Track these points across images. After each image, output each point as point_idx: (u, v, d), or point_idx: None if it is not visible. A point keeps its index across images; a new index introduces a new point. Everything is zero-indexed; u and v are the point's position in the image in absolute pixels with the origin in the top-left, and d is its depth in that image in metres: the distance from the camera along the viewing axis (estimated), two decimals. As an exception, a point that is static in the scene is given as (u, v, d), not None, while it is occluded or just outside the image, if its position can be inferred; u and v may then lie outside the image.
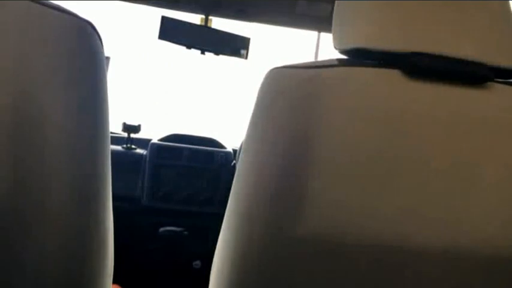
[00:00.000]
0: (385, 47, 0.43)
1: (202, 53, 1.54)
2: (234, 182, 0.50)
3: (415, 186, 0.43)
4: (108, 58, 1.50)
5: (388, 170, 0.43)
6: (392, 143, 0.43)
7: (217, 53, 1.55)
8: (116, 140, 1.60)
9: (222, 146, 1.66)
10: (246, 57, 1.58)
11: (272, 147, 0.45)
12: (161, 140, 1.62)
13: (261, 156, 0.46)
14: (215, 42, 1.54)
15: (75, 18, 0.41)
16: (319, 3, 1.29)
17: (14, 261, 0.40)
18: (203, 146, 1.60)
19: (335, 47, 0.50)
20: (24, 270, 0.40)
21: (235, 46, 1.56)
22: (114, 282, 0.72)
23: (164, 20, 1.47)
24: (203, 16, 1.55)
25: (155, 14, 1.51)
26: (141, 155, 1.54)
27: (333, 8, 0.55)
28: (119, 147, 1.56)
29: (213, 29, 1.54)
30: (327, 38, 2.12)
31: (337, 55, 0.49)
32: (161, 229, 1.50)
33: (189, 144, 1.58)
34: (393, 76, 0.43)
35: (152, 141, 1.57)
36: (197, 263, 1.57)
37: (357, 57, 0.47)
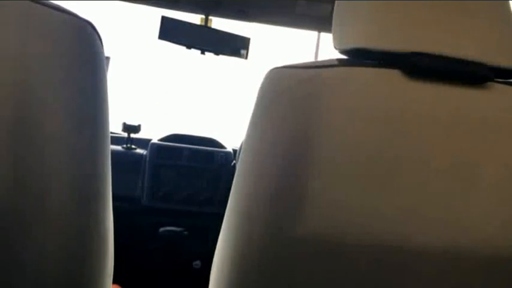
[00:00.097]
0: (385, 47, 0.43)
1: (202, 53, 1.54)
2: (234, 182, 0.50)
3: (415, 186, 0.43)
4: (108, 58, 1.50)
5: (388, 170, 0.43)
6: (392, 143, 0.43)
7: (217, 53, 1.55)
8: (116, 140, 1.59)
9: (222, 146, 1.66)
10: (246, 57, 1.58)
11: (272, 147, 0.45)
12: (161, 140, 1.62)
13: (261, 156, 0.46)
14: (215, 42, 1.54)
15: (75, 18, 0.41)
16: (319, 3, 1.29)
17: (14, 261, 0.40)
18: (203, 146, 1.60)
19: (335, 47, 0.50)
20: (24, 270, 0.40)
21: (235, 46, 1.56)
22: (114, 282, 0.72)
23: (164, 20, 1.47)
24: (203, 16, 1.55)
25: (155, 14, 1.51)
26: (141, 155, 1.54)
27: (333, 8, 0.55)
28: (119, 147, 1.56)
29: (213, 29, 1.54)
30: (327, 38, 2.12)
31: (337, 55, 0.49)
32: (161, 229, 1.50)
33: (189, 144, 1.58)
34: (393, 76, 0.43)
35: (152, 141, 1.57)
36: (197, 263, 1.57)
37: (357, 57, 0.47)
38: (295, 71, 0.45)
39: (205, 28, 1.54)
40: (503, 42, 0.45)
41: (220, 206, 1.50)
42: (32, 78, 0.38)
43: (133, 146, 1.58)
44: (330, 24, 0.53)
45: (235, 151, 1.62)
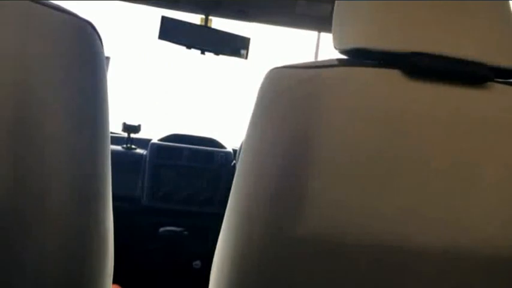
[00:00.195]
0: (385, 47, 0.43)
1: (202, 53, 1.54)
2: (234, 182, 0.50)
3: (415, 186, 0.43)
4: (108, 58, 1.50)
5: (388, 170, 0.43)
6: (392, 143, 0.43)
7: (217, 53, 1.55)
8: (116, 140, 1.60)
9: (222, 146, 1.66)
10: (246, 57, 1.58)
11: (272, 147, 0.45)
12: (161, 140, 1.62)
13: (261, 156, 0.46)
14: (215, 42, 1.54)
15: (75, 18, 0.41)
16: (319, 3, 1.29)
17: (14, 261, 0.39)
18: (203, 146, 1.60)
19: (335, 47, 0.50)
20: (24, 270, 0.40)
21: (235, 46, 1.56)
22: (114, 282, 0.72)
23: (164, 20, 1.47)
24: (203, 16, 1.54)
25: (155, 14, 1.51)
26: (141, 155, 1.54)
27: (333, 8, 0.55)
28: (119, 147, 1.56)
29: (213, 29, 1.54)
30: (327, 38, 2.12)
31: (337, 55, 0.49)
32: (161, 229, 1.50)
33: (189, 144, 1.58)
34: (393, 76, 0.43)
35: (152, 141, 1.57)
36: (197, 263, 1.57)
37: (357, 57, 0.47)
38: (295, 71, 0.45)
39: (205, 28, 1.54)
40: (503, 42, 0.45)
41: (220, 206, 1.50)
42: (32, 78, 0.38)
43: (133, 146, 1.58)
44: (330, 24, 0.53)
45: (235, 151, 1.62)
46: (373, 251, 0.44)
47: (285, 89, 0.45)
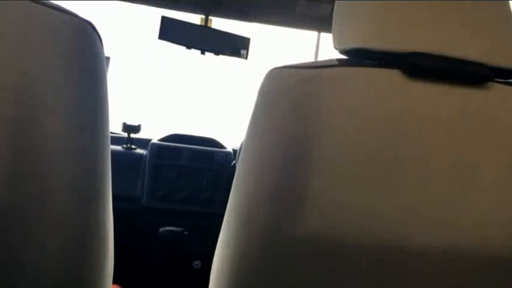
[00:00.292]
0: (385, 47, 0.43)
1: (202, 53, 1.54)
2: (234, 182, 0.50)
3: (415, 186, 0.43)
4: (108, 58, 1.50)
5: (388, 170, 0.43)
6: (392, 143, 0.43)
7: (217, 53, 1.55)
8: (116, 140, 1.60)
9: (222, 146, 1.66)
10: (246, 57, 1.58)
11: (272, 147, 0.45)
12: (161, 140, 1.62)
13: (261, 156, 0.46)
14: (215, 42, 1.54)
15: (75, 18, 0.41)
16: (319, 3, 1.29)
17: (14, 261, 0.39)
18: (203, 146, 1.60)
19: (335, 47, 0.50)
20: (24, 270, 0.40)
21: (235, 46, 1.56)
22: (114, 282, 0.72)
23: (164, 20, 1.47)
24: (203, 16, 1.54)
25: (155, 14, 1.51)
26: (141, 155, 1.54)
27: (333, 8, 0.55)
28: (119, 147, 1.56)
29: (213, 29, 1.54)
30: (327, 38, 2.12)
31: (337, 55, 0.49)
32: (161, 229, 1.50)
33: (189, 144, 1.58)
34: (393, 76, 0.43)
35: (152, 141, 1.57)
36: (197, 263, 1.57)
37: (357, 57, 0.47)
38: (295, 71, 0.45)
39: (205, 28, 1.54)
40: (503, 42, 0.45)
41: (220, 206, 1.50)
42: (32, 78, 0.38)
43: (133, 146, 1.58)
44: (330, 24, 0.53)
45: (235, 151, 1.62)
46: (373, 251, 0.44)
47: (285, 89, 0.45)
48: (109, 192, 0.49)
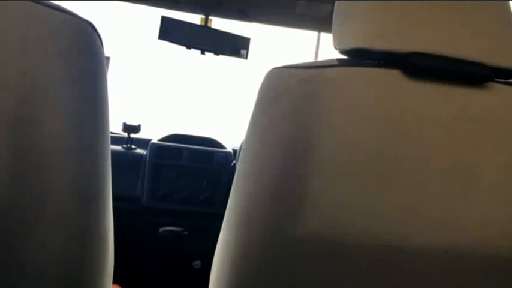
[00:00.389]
0: (385, 47, 0.43)
1: (202, 53, 1.54)
2: (234, 182, 0.50)
3: (415, 186, 0.43)
4: (108, 58, 1.50)
5: (388, 170, 0.43)
6: (392, 143, 0.43)
7: (217, 53, 1.55)
8: (116, 140, 1.60)
9: (222, 146, 1.66)
10: (246, 57, 1.58)
11: (272, 147, 0.45)
12: (161, 140, 1.62)
13: (261, 156, 0.46)
14: (215, 42, 1.54)
15: (75, 18, 0.41)
16: (319, 3, 1.29)
17: (14, 261, 0.39)
18: (203, 146, 1.60)
19: (335, 47, 0.50)
20: (24, 270, 0.40)
21: (235, 46, 1.56)
22: (114, 282, 0.72)
23: (164, 20, 1.47)
24: (203, 16, 1.54)
25: (155, 14, 1.51)
26: (141, 155, 1.54)
27: (333, 8, 0.55)
28: (119, 147, 1.56)
29: (213, 29, 1.54)
30: (327, 38, 2.12)
31: (337, 55, 0.49)
32: (161, 229, 1.50)
33: (189, 144, 1.58)
34: (393, 76, 0.43)
35: (152, 141, 1.57)
36: (197, 263, 1.57)
37: (357, 57, 0.47)
38: (295, 71, 0.45)
39: (205, 28, 1.54)
40: (503, 42, 0.45)
41: (220, 206, 1.50)
42: (32, 78, 0.38)
43: (133, 146, 1.58)
44: (330, 24, 0.53)
45: (235, 151, 1.62)
46: (373, 251, 0.44)
47: (285, 89, 0.45)
48: (109, 192, 0.49)
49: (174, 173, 1.51)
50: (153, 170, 1.49)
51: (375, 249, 0.44)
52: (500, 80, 0.46)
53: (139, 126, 1.54)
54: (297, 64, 0.46)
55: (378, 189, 0.43)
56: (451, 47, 0.43)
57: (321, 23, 1.48)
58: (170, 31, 1.48)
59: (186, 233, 1.51)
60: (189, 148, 1.55)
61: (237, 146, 1.65)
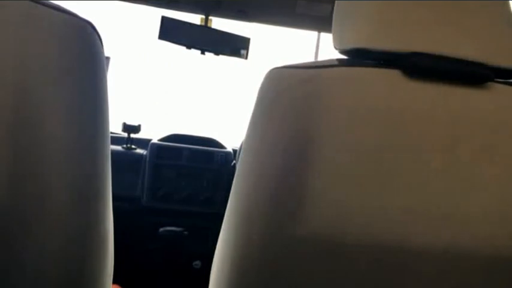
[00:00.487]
0: (385, 47, 0.43)
1: (202, 53, 1.54)
2: (234, 182, 0.50)
3: (415, 186, 0.43)
4: (108, 58, 1.50)
5: (388, 170, 0.43)
6: (392, 143, 0.43)
7: (217, 53, 1.55)
8: (116, 140, 1.60)
9: (222, 146, 1.66)
10: (246, 58, 1.58)
11: (272, 147, 0.45)
12: (161, 140, 1.62)
13: (261, 156, 0.46)
14: (215, 42, 1.54)
15: (75, 18, 0.41)
16: (319, 3, 1.29)
17: (14, 261, 0.39)
18: (203, 146, 1.60)
19: (335, 47, 0.50)
20: (24, 270, 0.40)
21: (235, 46, 1.56)
22: (114, 282, 0.72)
23: (164, 20, 1.47)
24: (203, 16, 1.54)
25: (155, 14, 1.51)
26: (141, 155, 1.54)
27: (333, 8, 0.55)
28: (119, 147, 1.56)
29: (213, 29, 1.54)
30: (327, 38, 2.12)
31: (337, 55, 0.49)
32: (161, 229, 1.50)
33: (189, 144, 1.58)
34: (393, 76, 0.43)
35: (152, 141, 1.57)
36: (197, 263, 1.57)
37: (357, 57, 0.46)
38: (295, 71, 0.45)
39: (205, 28, 1.54)
40: (503, 42, 0.45)
41: (220, 206, 1.50)
42: (32, 78, 0.38)
43: (133, 146, 1.58)
44: (330, 24, 0.53)
45: (235, 151, 1.62)
46: (373, 251, 0.44)
47: (285, 89, 0.45)
48: (109, 192, 0.49)
49: (174, 173, 1.51)
50: (153, 170, 1.49)
51: (374, 249, 0.44)
52: (500, 80, 0.46)
53: (139, 126, 1.54)
54: (297, 64, 0.46)
55: (378, 189, 0.43)
56: (451, 47, 0.43)
57: (321, 23, 1.48)
58: (170, 31, 1.48)
59: (186, 233, 1.51)
60: (189, 148, 1.55)
61: (237, 146, 1.65)
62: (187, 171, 1.52)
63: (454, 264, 0.45)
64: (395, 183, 0.43)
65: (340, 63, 0.45)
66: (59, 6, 0.40)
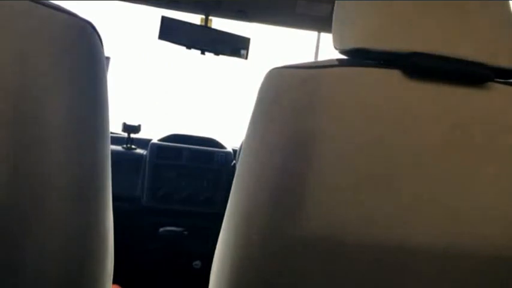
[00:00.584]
0: (385, 47, 0.43)
1: (202, 53, 1.54)
2: (234, 182, 0.50)
3: (415, 186, 0.43)
4: (108, 58, 1.50)
5: (388, 169, 0.43)
6: (392, 142, 0.43)
7: (217, 53, 1.55)
8: (116, 140, 1.60)
9: (222, 146, 1.66)
10: (246, 58, 1.58)
11: (272, 147, 0.45)
12: (161, 140, 1.62)
13: (261, 156, 0.46)
14: (215, 43, 1.54)
15: (75, 18, 0.41)
16: (319, 3, 1.29)
17: (14, 261, 0.39)
18: (203, 146, 1.60)
19: (335, 47, 0.50)
20: (24, 270, 0.40)
21: (235, 46, 1.56)
22: (114, 282, 0.72)
23: (164, 20, 1.47)
24: (203, 16, 1.54)
25: (155, 14, 1.51)
26: (141, 155, 1.54)
27: (333, 8, 0.55)
28: (119, 147, 1.56)
29: (213, 29, 1.54)
30: (327, 38, 2.12)
31: (337, 55, 0.49)
32: (161, 229, 1.50)
33: (189, 144, 1.58)
34: (393, 76, 0.43)
35: (152, 141, 1.57)
36: (197, 263, 1.57)
37: (357, 57, 0.46)
38: (295, 71, 0.45)
39: (205, 28, 1.54)
40: (503, 42, 0.45)
41: (220, 206, 1.50)
42: (32, 78, 0.38)
43: (133, 146, 1.58)
44: (330, 24, 0.53)
45: (235, 151, 1.62)
46: (373, 251, 0.44)
47: (285, 89, 0.45)
48: (109, 192, 0.49)
49: (174, 173, 1.51)
50: (153, 170, 1.49)
51: (375, 249, 0.44)
52: (500, 80, 0.46)
53: (139, 126, 1.54)
54: (297, 64, 0.46)
55: (378, 189, 0.43)
56: (451, 47, 0.43)
57: (321, 23, 1.48)
58: (170, 31, 1.48)
59: (186, 233, 1.51)
60: (189, 148, 1.55)
61: (237, 146, 1.65)
62: (188, 171, 1.52)
63: (454, 264, 0.45)
64: (395, 183, 0.43)
65: (340, 63, 0.45)
66: (59, 6, 0.40)
